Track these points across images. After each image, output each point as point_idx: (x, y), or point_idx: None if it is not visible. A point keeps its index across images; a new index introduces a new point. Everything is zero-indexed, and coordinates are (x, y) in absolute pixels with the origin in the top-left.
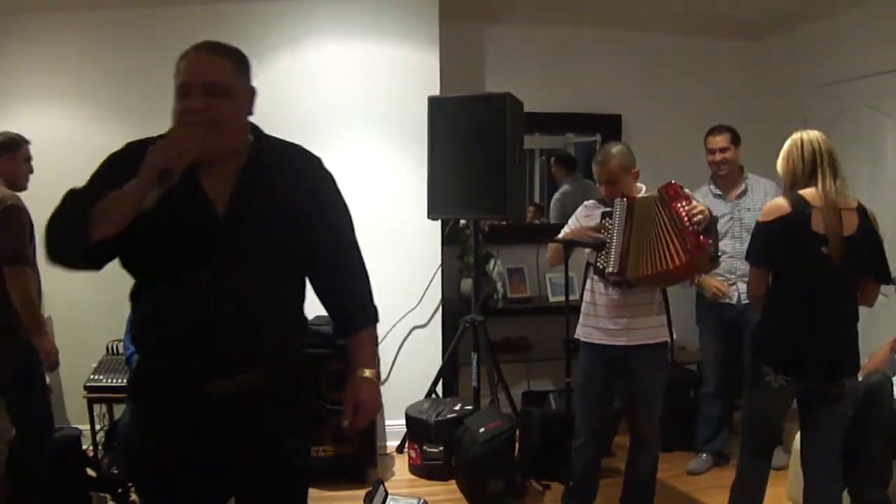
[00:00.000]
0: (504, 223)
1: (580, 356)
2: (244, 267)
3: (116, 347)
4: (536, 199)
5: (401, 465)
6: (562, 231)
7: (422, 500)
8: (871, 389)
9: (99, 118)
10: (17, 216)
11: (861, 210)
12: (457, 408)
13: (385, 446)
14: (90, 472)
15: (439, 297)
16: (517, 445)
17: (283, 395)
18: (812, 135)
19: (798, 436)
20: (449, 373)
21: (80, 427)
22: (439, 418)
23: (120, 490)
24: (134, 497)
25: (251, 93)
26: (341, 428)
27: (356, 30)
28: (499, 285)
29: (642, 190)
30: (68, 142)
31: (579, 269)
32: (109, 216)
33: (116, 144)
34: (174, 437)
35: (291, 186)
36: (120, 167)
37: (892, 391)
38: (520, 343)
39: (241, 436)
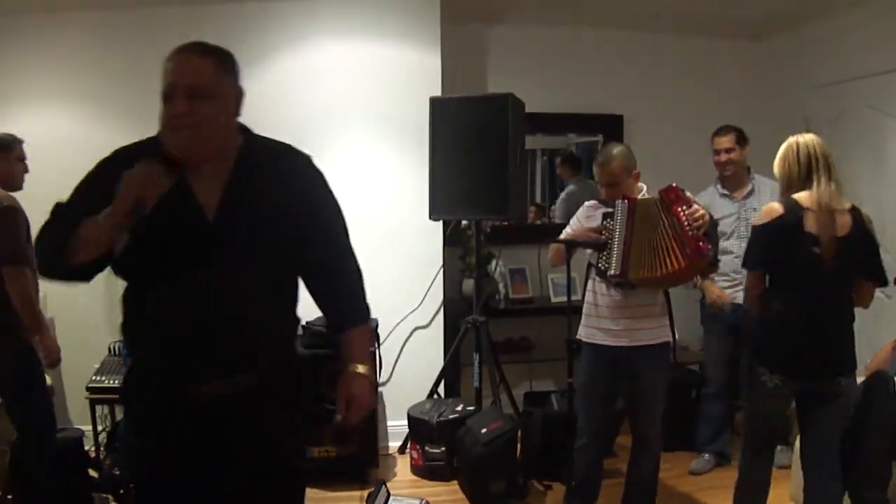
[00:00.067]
0: (506, 224)
1: (582, 357)
2: (236, 268)
3: (118, 348)
4: (538, 200)
5: (403, 466)
6: (563, 231)
7: (424, 501)
8: (871, 389)
9: (99, 118)
10: (14, 217)
11: (855, 211)
12: (459, 408)
13: (387, 447)
14: (92, 472)
15: (441, 297)
16: (519, 446)
17: (278, 396)
18: (808, 138)
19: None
20: (451, 373)
21: (83, 428)
22: (441, 419)
23: (122, 491)
24: None
25: (238, 93)
26: (343, 428)
27: (357, 30)
28: (500, 286)
29: (643, 190)
30: (68, 142)
31: (581, 269)
32: (88, 244)
33: (116, 144)
34: (172, 439)
35: (282, 186)
36: (106, 177)
37: (893, 391)
38: (521, 343)
39: (236, 436)
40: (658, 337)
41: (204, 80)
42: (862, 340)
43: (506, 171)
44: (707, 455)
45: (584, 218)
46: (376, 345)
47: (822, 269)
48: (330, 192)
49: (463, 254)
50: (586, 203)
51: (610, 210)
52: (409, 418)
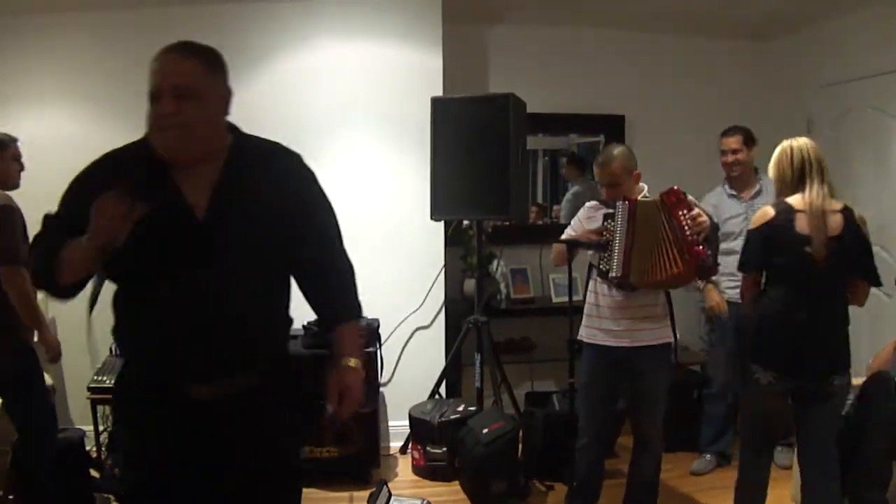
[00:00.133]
0: (507, 224)
1: (583, 357)
2: (228, 269)
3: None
4: (539, 200)
5: (404, 466)
6: (565, 232)
7: (425, 501)
8: (872, 389)
9: (99, 118)
10: (10, 216)
11: (847, 212)
12: (460, 409)
13: (388, 447)
14: (94, 472)
15: (442, 297)
16: (520, 446)
17: (273, 396)
18: (801, 142)
19: None
20: (452, 374)
21: (84, 428)
22: (443, 419)
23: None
24: None
25: (226, 93)
26: (344, 428)
27: (359, 31)
28: (502, 286)
29: (643, 190)
30: (68, 142)
31: (582, 269)
32: (72, 267)
33: (116, 144)
34: (167, 440)
35: (272, 185)
36: (93, 184)
37: (893, 391)
38: (523, 344)
39: (231, 436)
40: (659, 337)
41: (191, 80)
42: (862, 341)
43: (507, 171)
44: (708, 455)
45: (586, 219)
46: (378, 345)
47: (815, 269)
48: (321, 191)
49: (464, 254)
50: (587, 204)
51: (611, 211)
52: (411, 418)
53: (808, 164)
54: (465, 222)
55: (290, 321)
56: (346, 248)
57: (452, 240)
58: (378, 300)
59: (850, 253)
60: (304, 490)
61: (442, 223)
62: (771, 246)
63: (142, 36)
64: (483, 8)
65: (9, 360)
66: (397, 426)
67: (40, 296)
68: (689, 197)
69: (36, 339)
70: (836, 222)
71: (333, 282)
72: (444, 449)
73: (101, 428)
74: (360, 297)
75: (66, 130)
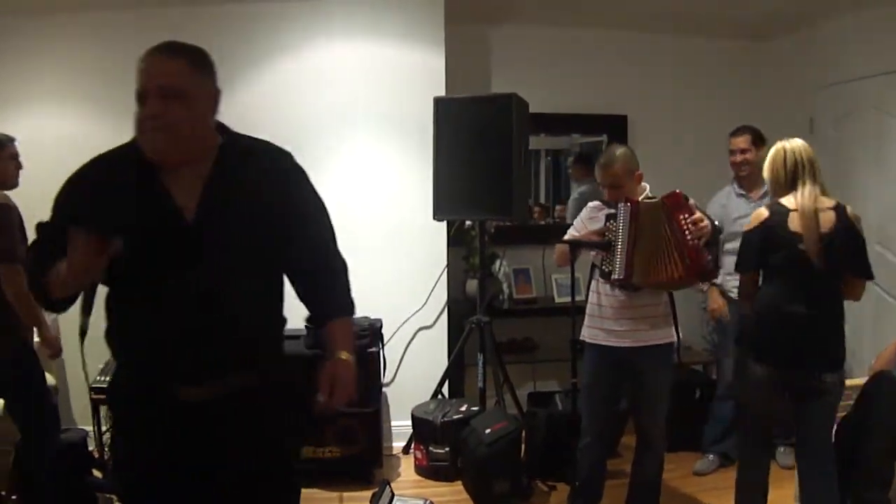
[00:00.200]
0: (510, 224)
1: (585, 357)
2: (219, 269)
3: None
4: (542, 200)
5: (407, 466)
6: (567, 233)
7: (428, 501)
8: (874, 389)
9: (99, 118)
10: (8, 215)
11: (839, 209)
12: (463, 409)
13: (391, 447)
14: (96, 472)
15: (445, 298)
16: (523, 446)
17: (268, 396)
18: (795, 144)
19: None
20: (455, 374)
21: (86, 428)
22: (445, 419)
23: None
24: None
25: (214, 92)
26: (346, 428)
27: (362, 31)
28: (504, 286)
29: (646, 190)
30: (68, 142)
31: (585, 269)
32: (62, 287)
33: (116, 144)
34: (161, 442)
35: (262, 185)
36: (84, 189)
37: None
38: (525, 344)
39: (226, 437)
40: (662, 337)
41: (177, 81)
42: (865, 341)
43: (510, 171)
44: (711, 456)
45: (588, 219)
46: (380, 345)
47: (809, 266)
48: (312, 189)
49: (467, 254)
50: (589, 204)
51: (613, 212)
52: (413, 418)
53: (801, 165)
54: (468, 222)
55: (284, 321)
56: (348, 248)
57: (455, 240)
58: (380, 300)
59: (843, 249)
60: (306, 490)
61: (444, 223)
62: (766, 246)
63: (142, 36)
64: (485, 8)
65: (9, 360)
66: (400, 426)
67: None
68: (691, 201)
69: (36, 338)
70: (828, 219)
71: (326, 280)
72: (447, 449)
73: (103, 428)
74: (361, 297)
75: (66, 130)
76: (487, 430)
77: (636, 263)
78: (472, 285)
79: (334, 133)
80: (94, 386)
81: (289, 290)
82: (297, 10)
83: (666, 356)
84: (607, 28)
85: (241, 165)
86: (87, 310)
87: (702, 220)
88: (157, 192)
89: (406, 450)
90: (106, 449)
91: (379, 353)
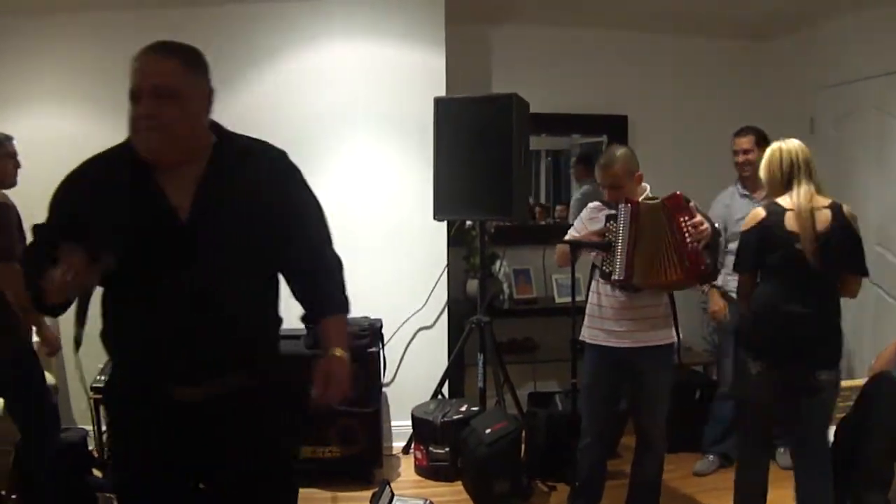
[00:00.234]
0: (510, 224)
1: (585, 358)
2: (214, 269)
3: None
4: (542, 201)
5: (407, 466)
6: (568, 233)
7: (428, 501)
8: (874, 389)
9: (99, 118)
10: (6, 214)
11: (835, 207)
12: (463, 409)
13: (391, 447)
14: (96, 472)
15: (445, 298)
16: (523, 446)
17: (264, 396)
18: (791, 144)
19: None
20: (455, 374)
21: (86, 428)
22: (445, 419)
23: None
24: None
25: (208, 92)
26: (346, 428)
27: (363, 31)
28: (505, 286)
29: (646, 190)
30: (68, 142)
31: (585, 269)
32: (56, 293)
33: (116, 144)
34: (157, 442)
35: (257, 184)
36: (79, 190)
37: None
38: (526, 344)
39: (222, 437)
40: (662, 338)
41: (170, 81)
42: (865, 341)
43: (510, 171)
44: (711, 456)
45: (588, 220)
46: (380, 345)
47: (805, 265)
48: (307, 187)
49: (467, 254)
50: (590, 205)
51: (613, 212)
52: (413, 418)
53: (797, 165)
54: (468, 222)
55: (280, 320)
56: (349, 248)
57: (455, 240)
58: (380, 300)
59: (840, 247)
60: (306, 489)
61: (445, 223)
62: (764, 246)
63: (142, 36)
64: (486, 8)
65: (8, 360)
66: (400, 426)
67: None
68: (692, 203)
69: (36, 337)
70: (824, 218)
71: (321, 278)
72: (447, 449)
73: (103, 428)
74: (361, 297)
75: (66, 130)
76: (487, 431)
77: (636, 264)
78: (472, 285)
79: (335, 133)
80: (93, 386)
81: (286, 289)
82: (297, 11)
83: (666, 357)
84: (608, 28)
85: (236, 165)
86: (80, 321)
87: (702, 224)
88: (151, 192)
89: (406, 450)
90: (105, 448)
91: (379, 353)
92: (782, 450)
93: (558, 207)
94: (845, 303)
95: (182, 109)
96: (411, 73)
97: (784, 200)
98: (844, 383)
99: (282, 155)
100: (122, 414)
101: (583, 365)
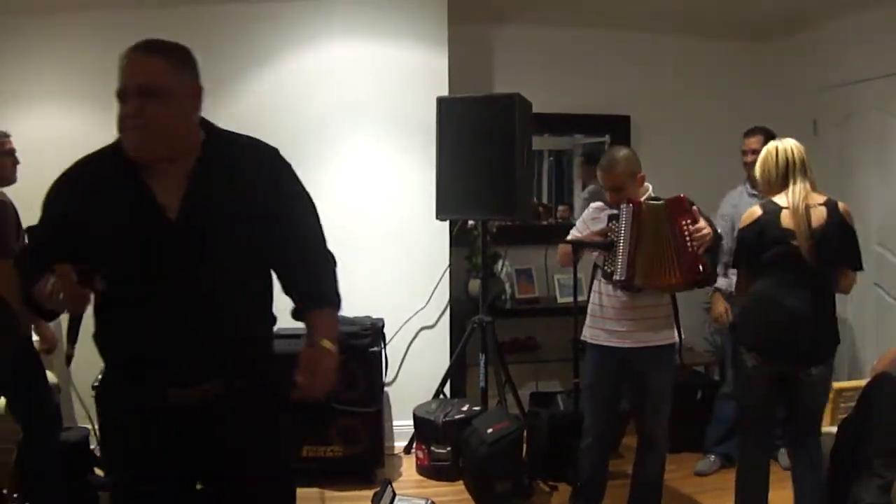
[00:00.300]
0: (512, 224)
1: (587, 358)
2: (203, 269)
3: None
4: (545, 200)
5: (408, 466)
6: (570, 233)
7: (429, 501)
8: (875, 390)
9: (99, 118)
10: (3, 211)
11: (830, 204)
12: (464, 408)
13: (393, 447)
14: (98, 471)
15: (447, 297)
16: (525, 446)
17: (259, 396)
18: (787, 144)
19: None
20: (457, 373)
21: (88, 427)
22: (447, 419)
23: None
24: None
25: (196, 90)
26: (348, 427)
27: (365, 31)
28: (507, 286)
29: (648, 190)
30: (69, 141)
31: (587, 269)
32: (50, 301)
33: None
34: (150, 444)
35: (246, 182)
36: (71, 192)
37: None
38: (528, 344)
39: (215, 439)
40: (663, 338)
41: (156, 80)
42: (868, 343)
43: (512, 171)
44: (713, 456)
45: (590, 220)
46: (382, 344)
47: (800, 262)
48: (299, 184)
49: (469, 254)
50: (592, 205)
51: (615, 212)
52: (415, 418)
53: (792, 164)
54: (471, 222)
55: (274, 319)
56: (351, 247)
57: (457, 240)
58: (382, 300)
59: (833, 241)
60: (308, 489)
61: (447, 223)
62: (761, 242)
63: (142, 36)
64: (488, 8)
65: (9, 359)
66: (402, 426)
67: None
68: (695, 207)
69: (35, 336)
70: (819, 215)
71: (312, 273)
72: (449, 449)
73: None
74: (363, 296)
75: (66, 130)
76: (489, 430)
77: (638, 265)
78: (474, 285)
79: (337, 133)
80: (96, 385)
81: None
82: (299, 11)
83: (667, 357)
84: (610, 29)
85: (226, 162)
86: (72, 339)
87: (703, 228)
88: (139, 191)
89: (408, 449)
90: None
91: (381, 352)
92: (783, 450)
93: (560, 207)
94: (846, 304)
95: (169, 108)
96: (414, 72)
97: (780, 198)
98: (846, 384)
99: (273, 151)
100: (115, 415)
101: (584, 365)
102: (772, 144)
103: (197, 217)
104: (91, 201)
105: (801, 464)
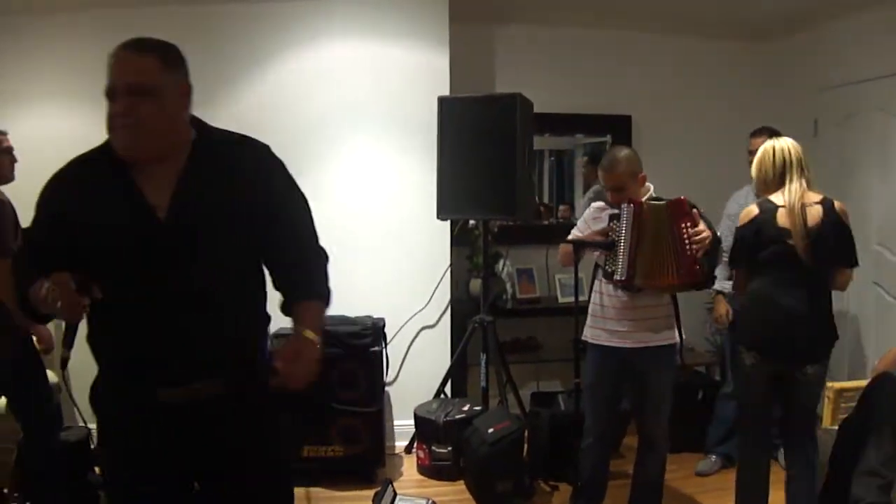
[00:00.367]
0: (513, 223)
1: (588, 358)
2: (194, 268)
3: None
4: (546, 200)
5: (409, 466)
6: (571, 233)
7: (430, 501)
8: (876, 390)
9: (99, 118)
10: (1, 210)
11: (826, 203)
12: (465, 408)
13: (394, 446)
14: (98, 471)
15: (448, 297)
16: (525, 446)
17: (256, 396)
18: (784, 143)
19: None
20: (458, 373)
21: (90, 426)
22: (448, 419)
23: None
24: None
25: (185, 88)
26: (349, 427)
27: (366, 31)
28: (508, 286)
29: (650, 190)
30: (69, 141)
31: (588, 269)
32: (43, 305)
33: None
34: (144, 445)
35: (237, 179)
36: (64, 192)
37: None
38: (528, 343)
39: (211, 439)
40: (664, 338)
41: (145, 78)
42: (869, 343)
43: (513, 170)
44: (714, 457)
45: (591, 219)
46: (383, 344)
47: (796, 260)
48: (291, 181)
49: (470, 253)
50: (593, 204)
51: (616, 212)
52: (416, 418)
53: (788, 163)
54: (472, 222)
55: (268, 318)
56: (351, 247)
57: (458, 239)
58: (383, 299)
59: (830, 241)
60: (309, 488)
61: (448, 223)
62: (758, 241)
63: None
64: (490, 8)
65: (9, 360)
66: (402, 425)
67: None
68: (695, 209)
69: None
70: (815, 214)
71: (303, 267)
72: (450, 448)
73: None
74: (364, 296)
75: (66, 129)
76: (490, 430)
77: (638, 265)
78: (475, 285)
79: (338, 133)
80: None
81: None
82: (299, 11)
83: (668, 357)
84: (611, 29)
85: (216, 160)
86: (69, 342)
87: (703, 232)
88: (129, 191)
89: (409, 449)
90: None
91: (382, 352)
92: (783, 450)
93: (561, 207)
94: (846, 304)
95: (158, 106)
96: (415, 72)
97: (777, 197)
98: (847, 384)
99: (265, 148)
100: (110, 416)
101: (585, 365)
102: (769, 143)
103: (187, 216)
104: (83, 201)
105: (796, 463)
